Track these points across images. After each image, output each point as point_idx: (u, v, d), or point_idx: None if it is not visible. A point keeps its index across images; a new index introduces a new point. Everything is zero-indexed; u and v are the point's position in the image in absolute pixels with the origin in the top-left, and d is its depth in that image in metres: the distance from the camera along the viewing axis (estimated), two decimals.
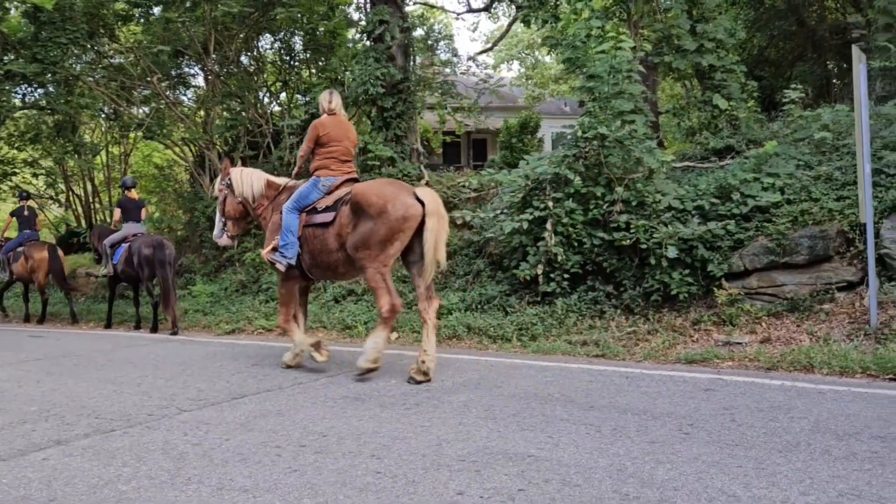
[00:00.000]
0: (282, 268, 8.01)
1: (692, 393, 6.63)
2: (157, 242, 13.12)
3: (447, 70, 23.51)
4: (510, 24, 28.02)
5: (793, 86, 12.68)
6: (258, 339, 11.92)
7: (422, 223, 7.24)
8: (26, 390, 7.72)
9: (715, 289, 9.47)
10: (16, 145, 22.93)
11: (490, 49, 30.39)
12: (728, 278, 9.56)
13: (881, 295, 8.40)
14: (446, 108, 23.16)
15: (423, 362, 7.29)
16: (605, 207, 10.25)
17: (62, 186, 26.01)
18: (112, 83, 18.39)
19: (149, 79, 17.90)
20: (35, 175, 25.10)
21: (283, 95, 21.89)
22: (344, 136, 8.14)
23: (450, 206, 14.01)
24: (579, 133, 10.35)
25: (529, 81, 40.45)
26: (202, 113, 20.04)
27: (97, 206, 25.41)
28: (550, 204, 10.32)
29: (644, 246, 9.78)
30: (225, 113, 19.27)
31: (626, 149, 10.22)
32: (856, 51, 8.12)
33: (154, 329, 13.33)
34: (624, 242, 9.91)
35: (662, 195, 10.08)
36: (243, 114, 18.81)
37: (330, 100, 8.27)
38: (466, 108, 23.30)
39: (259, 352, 10.08)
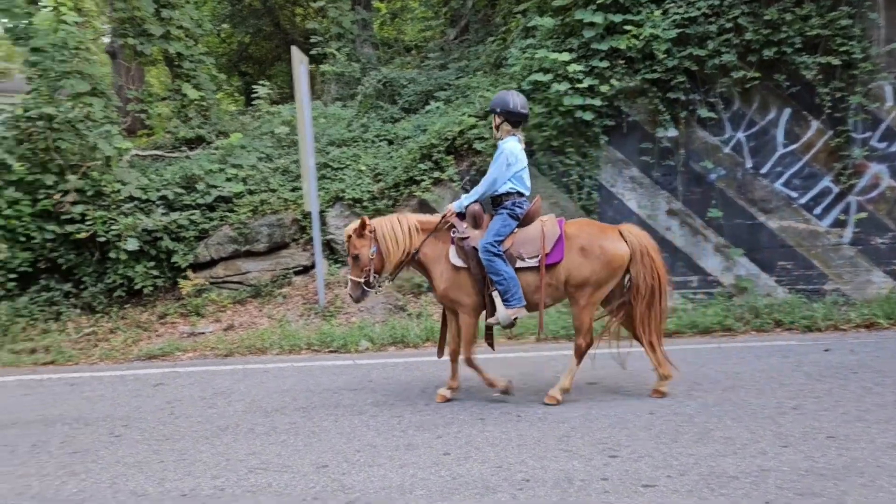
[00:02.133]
0: None
1: (139, 391, 6.34)
2: None
3: None
4: None
5: (261, 82, 13.28)
6: None
7: None
8: None
9: (181, 280, 9.32)
10: None
11: None
12: (194, 268, 9.51)
13: (328, 276, 9.33)
14: None
15: None
16: (56, 197, 9.19)
17: None
18: None
19: None
20: None
21: None
22: None
23: None
24: (19, 111, 9.07)
25: None
26: None
27: None
28: None
29: (103, 239, 9.09)
30: None
31: (79, 133, 9.32)
32: (295, 52, 8.80)
33: None
34: (79, 235, 9.05)
35: (123, 184, 9.49)
36: None
37: None
38: None
39: None
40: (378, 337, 7.93)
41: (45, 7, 9.36)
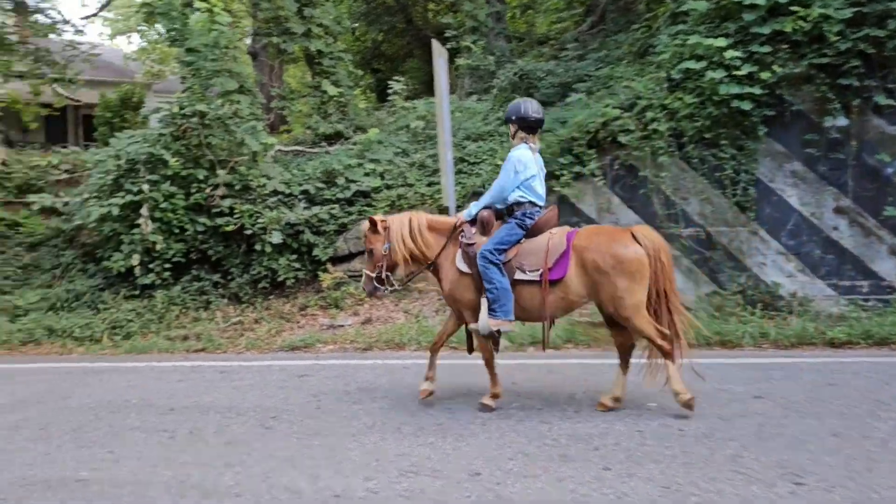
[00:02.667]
0: None
1: (285, 382, 6.43)
2: None
3: (53, 36, 20.19)
4: None
5: (395, 78, 13.37)
6: None
7: None
8: None
9: (321, 273, 9.49)
10: None
11: (95, 14, 26.91)
12: (333, 262, 9.65)
13: None
14: (43, 77, 19.88)
15: None
16: (207, 191, 9.59)
17: None
18: None
19: None
20: None
21: None
22: None
23: (31, 189, 12.07)
24: (175, 109, 9.51)
25: (149, 56, 37.20)
26: None
27: None
28: (145, 187, 9.34)
29: (250, 231, 9.40)
30: None
31: (228, 130, 9.68)
32: (436, 45, 8.69)
33: None
34: (228, 228, 9.40)
35: (268, 179, 9.78)
36: None
37: None
38: (66, 80, 20.34)
39: None
40: (517, 336, 7.70)
41: (198, 10, 9.76)
